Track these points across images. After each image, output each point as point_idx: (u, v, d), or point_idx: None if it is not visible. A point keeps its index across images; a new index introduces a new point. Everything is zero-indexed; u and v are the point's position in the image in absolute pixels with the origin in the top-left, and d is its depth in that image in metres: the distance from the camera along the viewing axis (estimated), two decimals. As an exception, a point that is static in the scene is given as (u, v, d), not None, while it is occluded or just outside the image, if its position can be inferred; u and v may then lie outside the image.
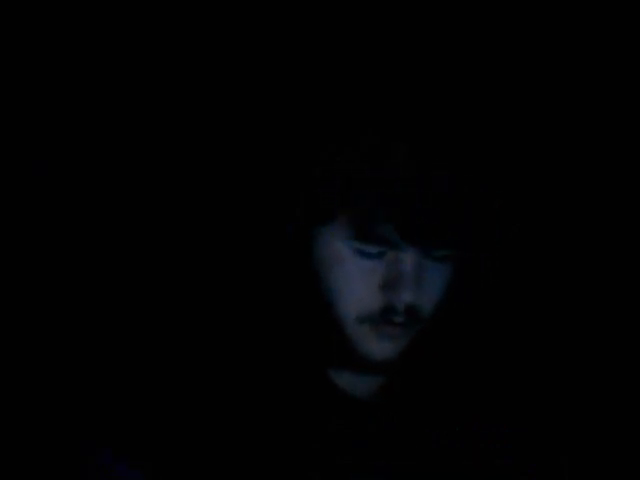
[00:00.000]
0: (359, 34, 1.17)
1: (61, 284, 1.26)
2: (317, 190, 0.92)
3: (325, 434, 0.97)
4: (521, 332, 1.20)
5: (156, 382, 0.96)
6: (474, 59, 1.17)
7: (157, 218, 1.26)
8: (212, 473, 0.94)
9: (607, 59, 1.27)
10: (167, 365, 0.98)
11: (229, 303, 1.06)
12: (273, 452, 0.95)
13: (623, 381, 1.25)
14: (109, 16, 1.25)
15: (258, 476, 0.94)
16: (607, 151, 1.27)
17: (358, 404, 1.00)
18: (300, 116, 0.98)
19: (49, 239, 1.26)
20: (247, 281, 1.10)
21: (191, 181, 1.26)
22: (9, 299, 1.24)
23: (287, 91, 1.16)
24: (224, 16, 1.26)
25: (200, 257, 1.24)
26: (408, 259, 0.91)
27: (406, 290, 0.91)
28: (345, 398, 0.99)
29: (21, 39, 1.24)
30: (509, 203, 0.96)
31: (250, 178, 1.14)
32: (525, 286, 1.26)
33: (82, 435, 0.96)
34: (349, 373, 0.99)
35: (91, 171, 1.26)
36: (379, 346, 0.94)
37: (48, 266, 1.26)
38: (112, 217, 1.27)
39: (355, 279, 0.92)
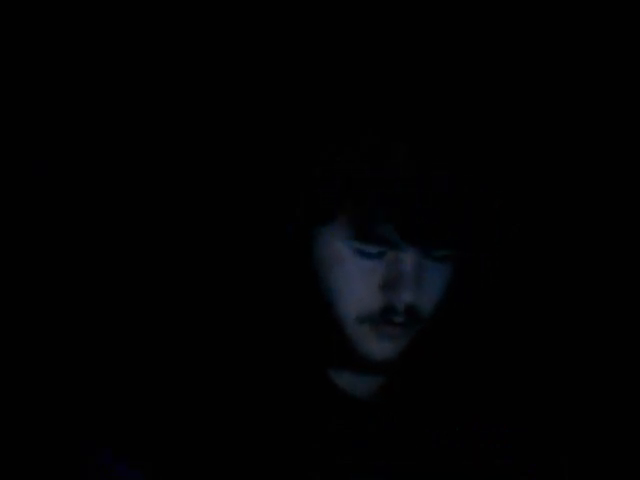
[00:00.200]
0: (359, 34, 1.17)
1: (61, 284, 1.26)
2: (317, 190, 0.92)
3: (325, 434, 0.97)
4: (521, 332, 1.20)
5: (156, 383, 0.96)
6: (473, 59, 1.17)
7: (157, 218, 1.26)
8: (212, 473, 0.94)
9: (607, 59, 1.26)
10: (167, 365, 0.97)
11: (229, 304, 1.06)
12: (273, 452, 0.95)
13: (623, 381, 1.25)
14: (109, 16, 1.25)
15: (258, 476, 0.94)
16: (607, 151, 1.27)
17: (358, 404, 1.00)
18: (300, 116, 0.98)
19: (49, 239, 1.26)
20: (247, 281, 1.10)
21: (191, 182, 1.26)
22: (9, 299, 1.24)
23: (287, 91, 1.16)
24: (223, 16, 1.26)
25: (200, 258, 1.24)
26: (408, 259, 0.91)
27: (406, 290, 0.91)
28: (345, 398, 0.99)
29: (21, 39, 1.24)
30: (509, 203, 0.96)
31: (250, 178, 1.14)
32: (525, 286, 1.26)
33: (82, 435, 0.96)
34: (349, 373, 0.99)
35: (91, 171, 1.26)
36: (379, 346, 0.94)
37: (48, 266, 1.26)
38: (112, 217, 1.26)
39: (355, 279, 0.92)
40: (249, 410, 0.96)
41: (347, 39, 1.17)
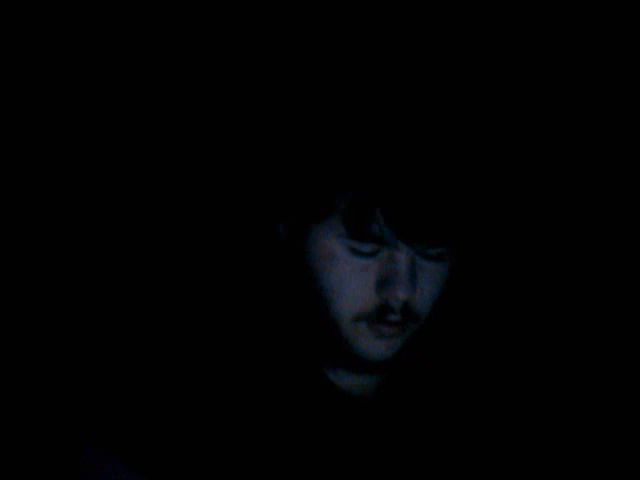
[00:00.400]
0: (357, 31, 1.17)
1: (59, 284, 1.26)
2: (311, 188, 0.92)
3: (323, 432, 0.97)
4: (518, 331, 1.20)
5: (154, 384, 0.96)
6: (471, 57, 1.17)
7: (150, 217, 1.26)
8: (211, 473, 0.94)
9: (607, 59, 1.26)
10: (165, 367, 0.97)
11: (224, 304, 1.06)
12: (271, 451, 0.95)
13: (623, 380, 1.24)
14: (109, 16, 1.26)
15: (257, 476, 0.94)
16: (605, 150, 1.27)
17: (356, 403, 1.00)
18: (294, 114, 0.98)
19: (48, 239, 1.26)
20: (242, 281, 1.10)
21: (184, 182, 1.26)
22: (9, 299, 1.25)
23: (281, 89, 1.16)
24: (217, 14, 1.26)
25: (193, 257, 1.24)
26: (402, 257, 0.91)
27: (401, 288, 0.90)
28: (343, 397, 0.99)
29: (21, 39, 1.25)
30: (503, 201, 0.96)
31: (243, 176, 1.14)
32: (521, 284, 1.26)
33: (81, 435, 0.96)
34: (346, 372, 0.99)
35: (86, 171, 1.27)
36: (375, 345, 0.94)
37: (45, 265, 1.26)
38: (105, 216, 1.27)
39: (349, 278, 0.92)
40: (246, 409, 0.96)
41: (346, 39, 1.17)
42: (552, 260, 1.28)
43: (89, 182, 1.27)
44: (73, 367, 1.19)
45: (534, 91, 1.24)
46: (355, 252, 0.92)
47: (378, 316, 0.92)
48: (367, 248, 0.91)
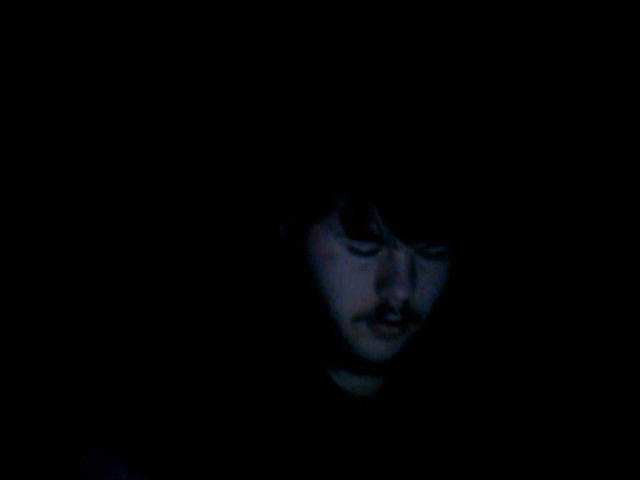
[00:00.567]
0: (352, 32, 1.17)
1: (59, 284, 1.26)
2: (310, 187, 0.92)
3: (325, 433, 0.97)
4: (519, 330, 1.20)
5: (155, 384, 0.96)
6: (468, 57, 1.17)
7: (150, 217, 1.26)
8: (211, 473, 0.94)
9: (607, 59, 1.26)
10: (166, 367, 0.97)
11: (225, 305, 1.06)
12: (273, 452, 0.95)
13: (623, 380, 1.24)
14: (109, 16, 1.26)
15: (257, 476, 0.94)
16: (604, 149, 1.27)
17: (357, 403, 1.00)
18: (292, 113, 0.98)
19: (49, 240, 1.26)
20: (243, 282, 1.10)
21: (184, 182, 1.26)
22: (9, 299, 1.25)
23: (279, 89, 1.16)
24: (221, 16, 1.26)
25: (193, 257, 1.24)
26: (402, 257, 0.91)
27: (400, 288, 0.90)
28: (344, 397, 0.99)
29: (21, 39, 1.25)
30: (501, 199, 0.96)
31: (243, 176, 1.14)
32: (522, 284, 1.26)
33: (81, 435, 0.96)
34: (347, 372, 0.99)
35: (87, 173, 1.27)
36: (375, 345, 0.93)
37: (46, 266, 1.26)
38: (106, 217, 1.27)
39: (349, 277, 0.92)
40: (248, 409, 0.96)
41: (343, 39, 1.17)
42: (552, 259, 1.27)
43: (90, 183, 1.27)
44: (73, 367, 1.19)
45: (532, 90, 1.24)
46: (354, 251, 0.91)
47: (378, 316, 0.92)
48: (366, 247, 0.91)
